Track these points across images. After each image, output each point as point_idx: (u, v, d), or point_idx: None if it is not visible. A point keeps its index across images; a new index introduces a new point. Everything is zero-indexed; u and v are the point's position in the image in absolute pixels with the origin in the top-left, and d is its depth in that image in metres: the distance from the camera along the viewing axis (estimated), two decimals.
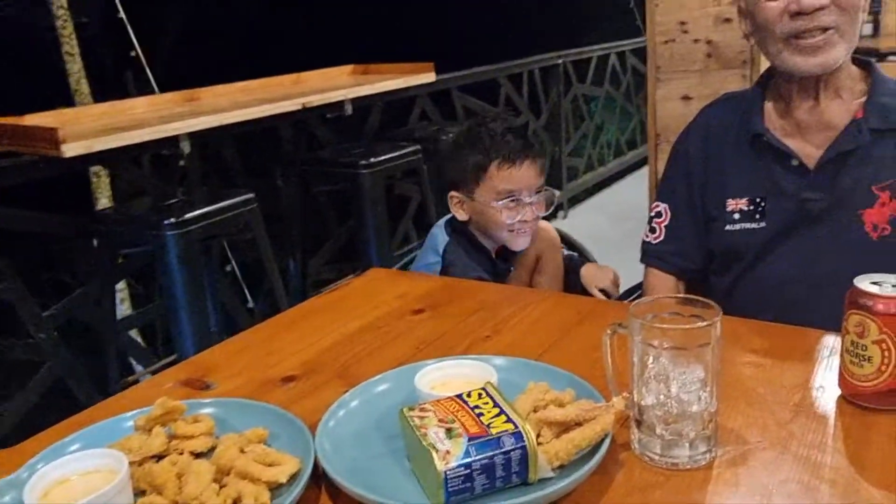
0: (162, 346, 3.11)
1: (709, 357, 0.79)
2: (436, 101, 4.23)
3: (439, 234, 1.76)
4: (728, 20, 2.00)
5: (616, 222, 4.98)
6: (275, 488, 0.79)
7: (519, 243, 1.70)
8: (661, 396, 0.81)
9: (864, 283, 0.90)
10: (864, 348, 0.89)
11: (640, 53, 7.24)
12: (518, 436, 0.76)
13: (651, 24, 2.12)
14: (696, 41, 2.06)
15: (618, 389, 0.88)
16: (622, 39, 6.81)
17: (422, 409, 0.81)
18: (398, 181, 3.72)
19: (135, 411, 0.93)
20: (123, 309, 3.04)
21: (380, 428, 0.89)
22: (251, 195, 2.48)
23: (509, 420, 0.78)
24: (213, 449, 0.86)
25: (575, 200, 5.82)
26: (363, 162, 2.98)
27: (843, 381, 0.93)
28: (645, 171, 7.01)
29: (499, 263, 1.76)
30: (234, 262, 3.52)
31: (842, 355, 0.92)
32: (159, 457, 0.86)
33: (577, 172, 6.11)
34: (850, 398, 0.92)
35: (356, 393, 0.95)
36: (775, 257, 1.47)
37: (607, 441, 0.79)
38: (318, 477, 0.83)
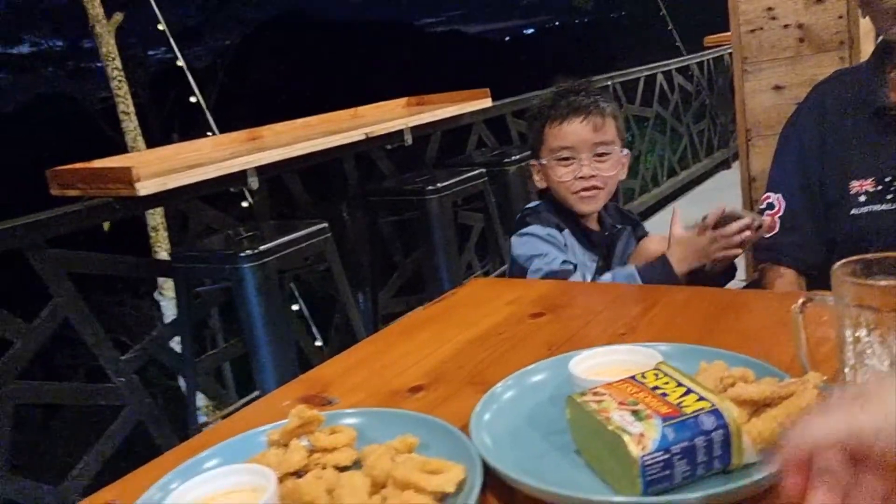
0: (237, 388, 3.05)
1: None
2: (491, 128, 4.18)
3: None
4: (820, 1, 1.89)
5: None
6: (440, 500, 0.69)
7: (584, 205, 1.61)
8: (881, 373, 0.69)
9: None
10: None
11: (685, 72, 7.15)
12: (717, 413, 0.65)
13: (734, 14, 2.02)
14: (785, 26, 1.95)
15: (814, 370, 0.76)
16: (665, 59, 6.75)
17: (595, 394, 0.71)
18: (460, 209, 3.65)
19: (266, 426, 0.85)
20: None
21: (533, 424, 0.79)
22: (324, 224, 2.43)
23: (702, 398, 0.67)
24: (356, 463, 0.77)
25: (641, 218, 5.69)
26: (430, 188, 2.92)
27: None
28: (700, 188, 6.93)
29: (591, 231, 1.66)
30: (301, 301, 3.46)
31: None
32: (299, 473, 0.77)
33: (633, 194, 5.99)
34: None
35: (508, 385, 0.85)
36: None
37: None
38: (483, 486, 0.73)
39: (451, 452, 0.75)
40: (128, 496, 0.77)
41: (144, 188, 2.19)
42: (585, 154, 1.58)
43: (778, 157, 1.57)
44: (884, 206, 1.39)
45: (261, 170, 2.64)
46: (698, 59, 7.43)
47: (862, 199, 1.41)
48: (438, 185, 2.95)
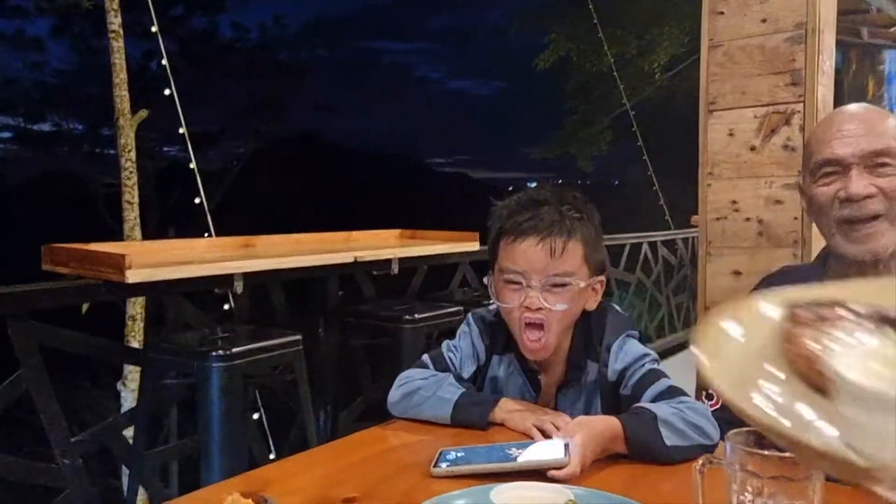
0: (180, 488, 2.99)
1: (816, 490, 0.76)
2: (476, 268, 4.34)
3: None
4: (779, 202, 2.08)
5: None
6: None
7: (527, 343, 1.38)
8: None
9: None
10: None
11: (670, 245, 7.47)
12: None
13: (703, 203, 2.22)
14: (747, 219, 2.14)
15: None
16: (652, 231, 7.08)
17: None
18: (434, 342, 3.72)
19: None
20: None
21: None
22: (298, 337, 2.51)
23: None
24: None
25: None
26: (407, 317, 3.02)
27: None
28: (670, 361, 7.06)
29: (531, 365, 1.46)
30: (262, 410, 3.46)
31: None
32: None
33: None
34: None
35: None
36: None
37: None
38: None
39: None
40: None
41: (134, 276, 2.28)
42: (536, 281, 1.35)
43: None
44: None
45: (248, 276, 2.74)
46: (684, 235, 7.79)
47: None
48: (416, 315, 3.06)
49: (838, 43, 2.36)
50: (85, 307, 5.08)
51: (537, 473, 1.07)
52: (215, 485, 1.15)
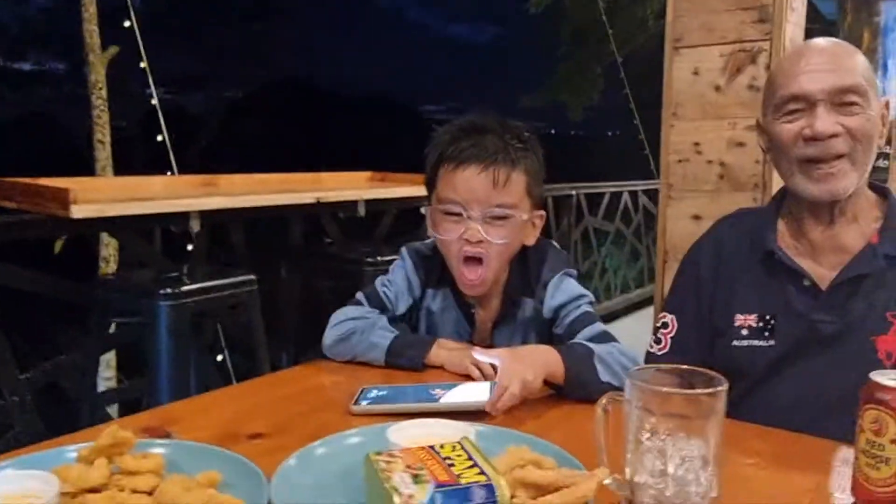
0: None
1: (712, 432, 0.72)
2: None
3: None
4: (741, 144, 2.02)
5: None
6: None
7: (465, 279, 1.33)
8: (657, 474, 0.73)
9: (882, 377, 0.84)
10: (881, 448, 0.81)
11: (653, 195, 7.42)
12: (490, 489, 0.68)
13: (666, 143, 2.16)
14: (709, 162, 2.08)
15: (609, 466, 0.80)
16: (636, 180, 7.01)
17: (390, 455, 0.74)
18: None
19: (82, 444, 0.86)
20: (109, 383, 2.95)
21: (345, 480, 0.81)
22: (252, 277, 2.46)
23: (482, 472, 0.70)
24: None
25: None
26: (370, 259, 2.97)
27: (857, 486, 0.85)
28: (649, 310, 7.07)
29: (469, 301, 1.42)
30: (226, 353, 3.43)
31: (856, 457, 0.84)
32: (99, 491, 0.78)
33: None
34: None
35: (325, 442, 0.87)
36: (781, 378, 1.41)
37: None
38: None
39: (250, 494, 0.77)
40: None
41: (79, 212, 2.21)
42: (477, 212, 1.30)
43: (677, 282, 1.64)
44: (761, 342, 1.45)
45: (205, 215, 2.67)
46: None
47: (744, 332, 1.47)
48: (378, 258, 3.00)
49: None
50: (58, 246, 5.01)
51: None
52: (122, 419, 1.11)
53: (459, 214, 1.31)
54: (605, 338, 1.31)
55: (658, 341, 1.57)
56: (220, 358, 3.46)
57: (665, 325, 1.62)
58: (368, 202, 3.37)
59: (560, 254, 1.47)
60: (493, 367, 1.20)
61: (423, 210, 1.43)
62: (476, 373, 1.25)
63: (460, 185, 1.30)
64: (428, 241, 1.48)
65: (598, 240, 6.38)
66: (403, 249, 1.50)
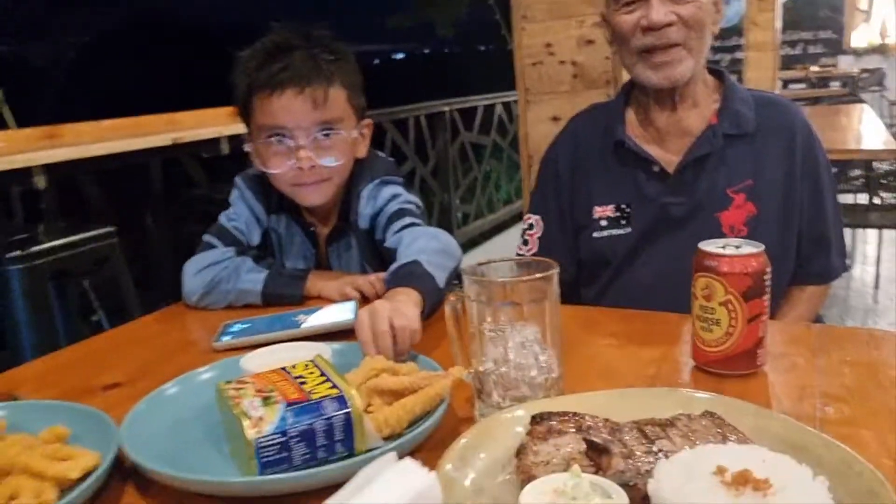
0: None
1: (546, 314, 0.74)
2: None
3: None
4: (591, 42, 2.05)
5: None
6: (71, 487, 0.68)
7: (305, 196, 1.31)
8: (500, 361, 0.75)
9: (709, 245, 0.89)
10: (711, 311, 0.87)
11: None
12: (341, 400, 0.68)
13: (519, 48, 2.16)
14: (562, 62, 2.10)
15: (466, 362, 0.82)
16: (508, 91, 7.04)
17: (240, 382, 0.73)
18: None
19: None
20: None
21: (202, 416, 0.79)
22: (111, 229, 2.32)
23: (334, 386, 0.70)
24: None
25: (470, 244, 5.87)
26: None
27: (695, 350, 0.91)
28: None
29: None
30: (102, 313, 3.27)
31: (693, 323, 0.90)
32: None
33: (468, 219, 6.18)
34: (703, 366, 0.90)
35: (177, 382, 0.84)
36: (641, 262, 1.48)
37: (443, 407, 0.72)
38: (126, 472, 0.72)
39: (100, 444, 0.74)
40: None
41: None
42: (303, 138, 1.25)
43: (539, 182, 1.68)
44: (619, 231, 1.51)
45: (51, 168, 2.49)
46: None
47: (603, 223, 1.52)
48: None
49: None
50: None
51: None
52: None
53: (285, 142, 1.26)
54: (417, 234, 1.26)
55: (525, 243, 1.62)
56: (95, 318, 3.30)
57: (531, 227, 1.66)
58: (232, 139, 3.23)
59: (381, 161, 1.44)
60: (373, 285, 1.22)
61: (246, 147, 1.35)
62: (354, 293, 1.24)
63: (279, 113, 1.24)
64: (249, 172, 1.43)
65: (476, 154, 6.42)
66: (237, 178, 1.44)
